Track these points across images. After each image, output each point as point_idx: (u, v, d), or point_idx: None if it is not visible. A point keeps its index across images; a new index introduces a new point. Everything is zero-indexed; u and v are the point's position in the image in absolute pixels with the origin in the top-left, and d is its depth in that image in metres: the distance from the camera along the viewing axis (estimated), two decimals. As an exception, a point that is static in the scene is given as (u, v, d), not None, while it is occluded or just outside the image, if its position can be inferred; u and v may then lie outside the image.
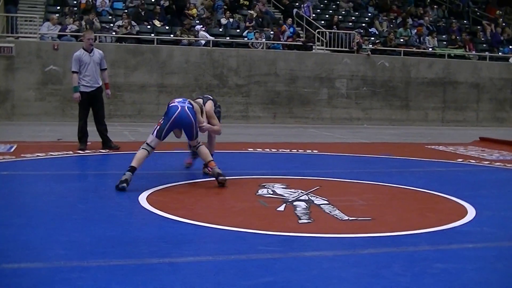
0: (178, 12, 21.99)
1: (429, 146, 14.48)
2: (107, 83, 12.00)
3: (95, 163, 10.92)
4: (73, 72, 11.60)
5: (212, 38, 20.43)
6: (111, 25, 20.61)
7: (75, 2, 22.03)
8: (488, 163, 11.83)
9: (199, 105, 8.92)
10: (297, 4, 24.44)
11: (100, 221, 6.23)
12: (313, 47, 21.58)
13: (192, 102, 8.73)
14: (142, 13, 21.30)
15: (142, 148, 8.44)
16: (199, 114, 8.74)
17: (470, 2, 30.44)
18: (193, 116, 8.45)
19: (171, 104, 8.52)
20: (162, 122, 8.47)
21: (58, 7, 21.38)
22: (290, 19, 22.66)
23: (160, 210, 6.69)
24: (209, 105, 9.19)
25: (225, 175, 8.48)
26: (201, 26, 20.99)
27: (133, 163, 8.22)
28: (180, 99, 8.63)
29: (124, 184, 7.89)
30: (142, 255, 5.10)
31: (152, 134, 8.49)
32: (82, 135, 11.73)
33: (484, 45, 25.45)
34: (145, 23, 21.00)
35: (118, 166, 10.36)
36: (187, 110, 8.41)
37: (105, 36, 19.81)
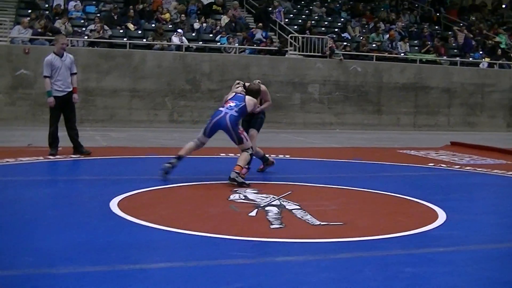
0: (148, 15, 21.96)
1: (400, 151, 14.55)
2: (75, 87, 11.89)
3: (66, 168, 10.82)
4: (45, 76, 11.47)
5: (185, 42, 20.36)
6: (83, 29, 20.48)
7: (46, 5, 21.86)
8: (458, 168, 11.92)
9: (258, 89, 9.78)
10: (270, 9, 24.43)
11: (70, 228, 6.17)
12: (287, 52, 21.61)
13: (247, 101, 9.42)
14: (115, 17, 21.21)
15: (193, 140, 9.32)
16: (256, 107, 9.67)
17: (442, 8, 30.69)
18: (232, 123, 9.04)
19: (220, 108, 9.29)
20: (208, 121, 9.24)
21: (30, 10, 21.19)
22: (261, 24, 22.64)
23: (131, 216, 6.64)
24: (264, 87, 10.13)
25: (239, 182, 8.74)
26: (181, 30, 20.88)
27: (181, 152, 9.15)
28: (233, 104, 9.28)
29: (168, 165, 8.90)
30: (113, 262, 5.06)
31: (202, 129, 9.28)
32: (53, 140, 11.62)
33: (455, 51, 25.65)
34: (118, 27, 20.90)
35: (89, 172, 10.33)
36: (228, 118, 9.04)
37: (77, 40, 19.68)
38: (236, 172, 8.85)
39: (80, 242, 5.61)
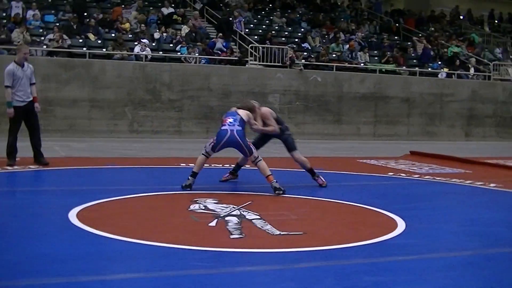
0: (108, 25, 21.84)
1: (360, 160, 14.65)
2: (36, 96, 11.76)
3: (24, 179, 10.65)
4: (7, 86, 11.31)
5: (148, 52, 20.28)
6: (42, 38, 20.28)
7: (4, 14, 21.62)
8: (418, 177, 12.03)
9: (250, 107, 9.96)
10: (231, 19, 24.45)
11: (30, 239, 6.09)
12: (247, 62, 21.64)
13: (241, 112, 9.64)
14: (74, 26, 21.04)
15: (202, 154, 9.60)
16: (251, 119, 9.77)
17: (401, 19, 31.01)
18: (241, 138, 9.32)
19: (222, 128, 9.42)
20: (215, 141, 9.45)
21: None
22: (221, 34, 22.64)
23: (91, 227, 6.58)
24: (266, 109, 10.24)
25: (284, 189, 9.18)
26: (146, 40, 20.78)
27: (195, 169, 9.54)
28: (231, 119, 9.48)
29: (188, 189, 9.25)
30: (73, 273, 5.00)
31: (209, 144, 9.54)
32: (11, 150, 11.47)
33: (415, 61, 25.93)
34: (77, 36, 20.74)
35: (48, 183, 10.22)
36: (236, 134, 9.30)
37: (36, 50, 19.47)
38: (274, 182, 9.25)
39: (40, 253, 5.55)
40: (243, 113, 9.66)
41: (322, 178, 10.31)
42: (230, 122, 9.46)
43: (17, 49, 12.21)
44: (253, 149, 9.46)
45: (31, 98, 11.55)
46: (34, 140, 11.67)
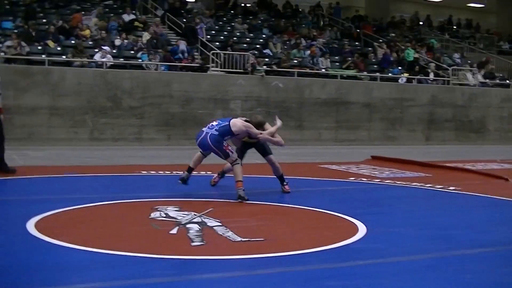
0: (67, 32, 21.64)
1: (322, 166, 14.70)
2: (1, 108, 11.65)
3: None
4: None
5: (109, 59, 20.13)
6: (0, 45, 20.02)
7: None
8: (379, 181, 12.11)
9: (260, 121, 9.99)
10: (192, 25, 24.37)
11: (-17, 250, 6.00)
12: (209, 68, 21.61)
13: (236, 122, 9.55)
14: (33, 33, 20.81)
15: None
16: (251, 128, 9.60)
17: (360, 24, 31.22)
18: (214, 142, 9.31)
19: (203, 128, 9.61)
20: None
21: None
22: (182, 40, 22.58)
23: (49, 237, 6.49)
24: (268, 126, 10.13)
25: (247, 199, 9.14)
26: (108, 48, 20.62)
27: (190, 164, 9.72)
28: (215, 123, 9.60)
29: (183, 183, 9.60)
30: (31, 285, 4.93)
31: None
32: None
33: (375, 66, 26.12)
34: (36, 43, 20.51)
35: (5, 192, 10.07)
36: (208, 138, 9.35)
37: (-7, 57, 19.23)
38: (241, 189, 9.21)
39: (-4, 264, 5.46)
40: (237, 123, 9.58)
41: (289, 185, 10.37)
42: (211, 125, 9.56)
43: None
44: (230, 153, 9.42)
45: None
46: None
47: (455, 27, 37.07)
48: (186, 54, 21.96)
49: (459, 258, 6.19)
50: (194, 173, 9.96)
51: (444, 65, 27.50)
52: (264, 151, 10.34)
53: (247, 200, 9.15)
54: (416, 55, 27.50)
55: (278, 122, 10.20)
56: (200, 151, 9.71)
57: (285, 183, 10.38)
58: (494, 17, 40.59)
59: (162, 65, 20.78)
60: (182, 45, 22.02)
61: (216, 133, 9.38)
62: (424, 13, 36.31)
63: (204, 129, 9.55)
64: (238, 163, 9.44)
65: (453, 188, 11.20)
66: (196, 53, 22.55)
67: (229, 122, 9.54)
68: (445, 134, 24.92)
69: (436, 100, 24.66)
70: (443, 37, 33.74)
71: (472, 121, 25.54)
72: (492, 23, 39.56)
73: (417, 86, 24.85)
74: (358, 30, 29.83)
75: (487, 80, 27.47)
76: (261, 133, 9.83)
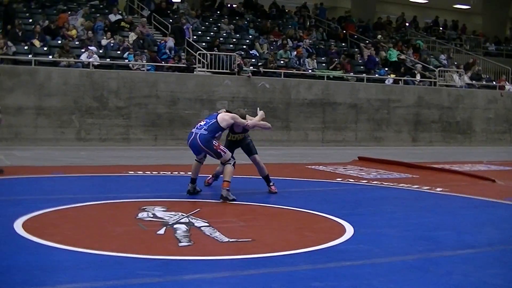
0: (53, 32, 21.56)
1: (309, 166, 14.73)
2: None
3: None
4: None
5: (96, 60, 20.06)
6: (-14, 45, 19.94)
7: None
8: (366, 182, 12.14)
9: (238, 114, 9.97)
10: (179, 25, 24.34)
11: (-31, 250, 5.98)
12: (195, 69, 21.59)
13: (222, 116, 9.61)
14: (19, 33, 20.73)
15: (195, 159, 9.79)
16: (237, 119, 9.77)
17: (343, 25, 31.28)
18: (204, 142, 9.33)
19: (192, 129, 9.60)
20: None
21: None
22: (170, 39, 22.54)
23: (36, 237, 6.48)
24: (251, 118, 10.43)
25: (232, 199, 9.13)
26: (94, 48, 20.54)
27: (192, 175, 9.79)
28: (203, 123, 9.59)
29: (190, 195, 9.66)
30: (15, 285, 4.92)
31: None
32: None
33: (362, 67, 26.17)
34: (22, 43, 20.43)
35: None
36: (198, 138, 9.36)
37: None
38: (226, 189, 9.16)
39: (-20, 265, 5.44)
40: (225, 117, 9.62)
41: (275, 186, 10.40)
42: (200, 125, 9.58)
43: None
44: (222, 152, 9.42)
45: None
46: None
47: (441, 28, 37.22)
48: (173, 52, 21.94)
49: (446, 259, 6.22)
50: (182, 172, 9.94)
51: (431, 66, 27.61)
52: (249, 151, 10.43)
53: (231, 200, 9.15)
54: (402, 56, 27.58)
55: (260, 113, 10.46)
56: (196, 159, 9.76)
57: (271, 184, 10.42)
58: (479, 18, 40.84)
59: (148, 65, 20.73)
60: (170, 42, 22.01)
61: (206, 132, 9.38)
62: (411, 14, 36.44)
63: (193, 130, 9.55)
64: (230, 163, 9.44)
65: (440, 189, 11.25)
66: (182, 54, 22.52)
67: (216, 118, 9.54)
68: (431, 135, 25.02)
69: (422, 101, 24.76)
70: (430, 38, 33.86)
71: (458, 122, 25.65)
72: (478, 24, 39.81)
73: (403, 87, 24.92)
74: (344, 31, 29.86)
75: (474, 82, 27.60)
76: (247, 121, 10.03)
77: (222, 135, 9.82)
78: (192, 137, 9.45)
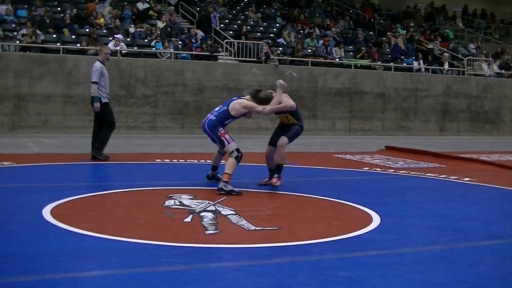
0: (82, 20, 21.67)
1: (336, 155, 14.68)
2: None
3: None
4: (94, 82, 12.12)
5: (123, 48, 20.14)
6: (15, 33, 20.08)
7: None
8: (393, 171, 12.09)
9: (261, 97, 9.55)
10: (206, 14, 24.35)
11: (0, 237, 6.03)
12: (218, 56, 21.59)
13: (235, 103, 9.36)
14: (48, 21, 20.86)
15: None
16: (252, 107, 9.41)
17: (376, 14, 31.10)
18: (210, 127, 9.17)
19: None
20: None
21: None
22: (195, 29, 22.57)
23: (64, 224, 6.53)
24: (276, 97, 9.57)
25: (227, 190, 8.71)
26: (121, 36, 20.60)
27: (212, 163, 9.89)
28: (217, 108, 9.46)
29: (209, 176, 9.85)
30: (44, 271, 4.96)
31: None
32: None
33: (389, 56, 26.00)
34: (51, 31, 20.55)
35: (21, 179, 10.09)
36: (206, 123, 9.23)
37: (8, 45, 19.29)
38: (223, 181, 8.86)
39: (11, 251, 5.49)
40: (235, 105, 9.29)
41: (279, 180, 9.47)
42: (214, 110, 9.50)
43: (99, 50, 13.40)
44: (226, 142, 9.14)
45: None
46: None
47: (470, 17, 36.82)
48: (199, 41, 22.00)
49: (473, 250, 6.18)
50: (208, 160, 9.94)
51: (459, 55, 27.37)
52: (286, 132, 9.69)
53: (231, 192, 8.71)
54: (430, 45, 27.36)
55: (278, 86, 9.62)
56: (218, 150, 9.74)
57: (275, 176, 9.47)
58: (509, 7, 40.30)
59: (177, 53, 20.76)
60: (200, 33, 22.12)
61: (214, 118, 9.24)
62: (440, 2, 36.06)
63: (208, 114, 9.47)
64: (233, 156, 9.05)
65: (468, 179, 11.17)
66: (210, 42, 22.54)
67: (228, 106, 9.33)
68: (459, 124, 24.84)
69: (450, 91, 24.57)
70: (458, 27, 33.54)
71: (487, 112, 25.44)
72: (508, 13, 39.29)
73: (431, 76, 24.76)
74: (372, 20, 29.67)
75: (503, 71, 27.33)
76: (264, 108, 9.40)
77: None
78: (203, 122, 9.38)
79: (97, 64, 12.27)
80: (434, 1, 35.74)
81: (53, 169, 11.05)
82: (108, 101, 12.40)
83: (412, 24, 30.24)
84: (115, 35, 20.50)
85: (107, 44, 20.24)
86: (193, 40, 21.79)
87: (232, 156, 9.10)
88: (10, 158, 11.77)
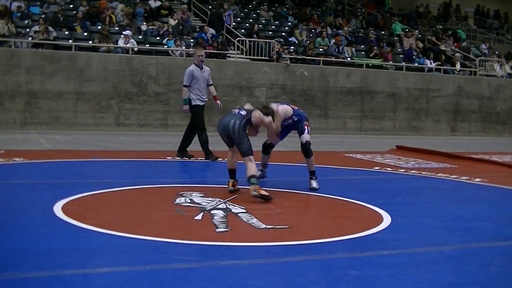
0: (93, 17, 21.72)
1: (347, 155, 14.67)
2: (216, 95, 13.06)
3: (8, 172, 10.50)
4: (185, 86, 12.30)
5: (134, 44, 20.18)
6: (27, 30, 20.15)
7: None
8: (404, 171, 12.06)
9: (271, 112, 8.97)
10: (219, 12, 24.36)
11: (11, 233, 6.05)
12: (230, 55, 21.60)
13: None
14: (61, 18, 20.92)
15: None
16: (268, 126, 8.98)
17: (388, 13, 31.03)
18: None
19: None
20: None
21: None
22: (207, 27, 22.60)
23: (75, 220, 6.55)
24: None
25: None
26: (129, 32, 20.60)
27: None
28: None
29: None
30: (55, 267, 4.97)
31: None
32: (206, 145, 12.57)
33: (401, 56, 25.94)
34: (63, 29, 20.60)
35: (32, 175, 10.14)
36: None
37: (21, 42, 19.37)
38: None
39: (22, 247, 5.51)
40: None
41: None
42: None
43: (194, 52, 13.54)
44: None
45: (207, 99, 12.65)
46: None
47: (483, 17, 36.71)
48: (211, 39, 22.02)
49: (484, 251, 6.17)
50: (219, 159, 9.93)
51: (471, 56, 27.28)
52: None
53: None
54: (443, 46, 27.29)
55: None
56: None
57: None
58: (522, 8, 40.16)
59: (188, 51, 20.77)
60: (210, 31, 22.12)
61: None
62: (453, 3, 35.95)
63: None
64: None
65: (479, 180, 11.13)
66: (221, 40, 22.55)
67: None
68: (471, 125, 24.77)
69: (462, 91, 24.51)
70: (471, 27, 33.43)
71: (498, 112, 25.35)
72: (520, 13, 39.13)
73: (443, 77, 24.70)
74: (384, 19, 29.61)
75: (515, 72, 27.24)
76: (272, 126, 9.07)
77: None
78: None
79: (190, 67, 12.42)
80: (446, 1, 35.65)
81: (65, 166, 11.08)
82: (200, 104, 12.47)
83: (419, 24, 30.18)
84: (123, 32, 20.52)
85: (117, 41, 20.31)
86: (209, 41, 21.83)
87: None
88: (22, 154, 11.81)
